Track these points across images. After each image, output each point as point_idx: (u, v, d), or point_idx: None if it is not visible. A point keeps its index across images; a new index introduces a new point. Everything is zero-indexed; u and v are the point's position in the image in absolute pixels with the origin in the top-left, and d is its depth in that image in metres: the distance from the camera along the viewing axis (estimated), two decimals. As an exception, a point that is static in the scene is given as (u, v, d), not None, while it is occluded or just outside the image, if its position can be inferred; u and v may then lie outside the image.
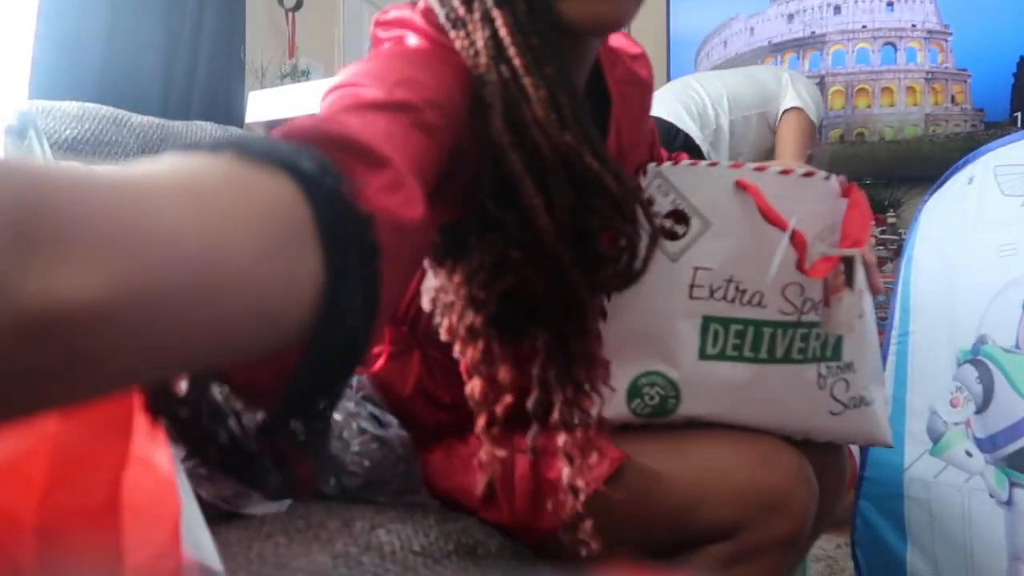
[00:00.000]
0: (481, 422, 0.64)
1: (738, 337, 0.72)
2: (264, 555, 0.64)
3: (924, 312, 1.27)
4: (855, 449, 1.35)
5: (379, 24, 0.62)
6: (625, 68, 0.77)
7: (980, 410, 1.16)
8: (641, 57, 0.80)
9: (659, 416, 0.74)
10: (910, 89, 2.73)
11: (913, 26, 2.73)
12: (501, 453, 0.65)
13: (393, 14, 0.61)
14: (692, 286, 0.72)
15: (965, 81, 2.65)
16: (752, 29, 3.01)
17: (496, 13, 0.55)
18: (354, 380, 0.81)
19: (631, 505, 0.71)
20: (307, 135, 0.37)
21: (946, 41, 2.68)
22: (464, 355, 0.60)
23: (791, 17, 2.93)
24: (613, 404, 0.73)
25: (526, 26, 0.55)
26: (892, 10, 2.77)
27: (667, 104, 1.84)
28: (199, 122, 1.60)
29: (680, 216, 0.72)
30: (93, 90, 1.71)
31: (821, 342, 0.75)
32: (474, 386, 0.63)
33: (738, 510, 0.70)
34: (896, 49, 2.76)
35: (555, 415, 0.63)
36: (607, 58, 0.74)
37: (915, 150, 2.69)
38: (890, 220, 2.59)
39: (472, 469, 0.76)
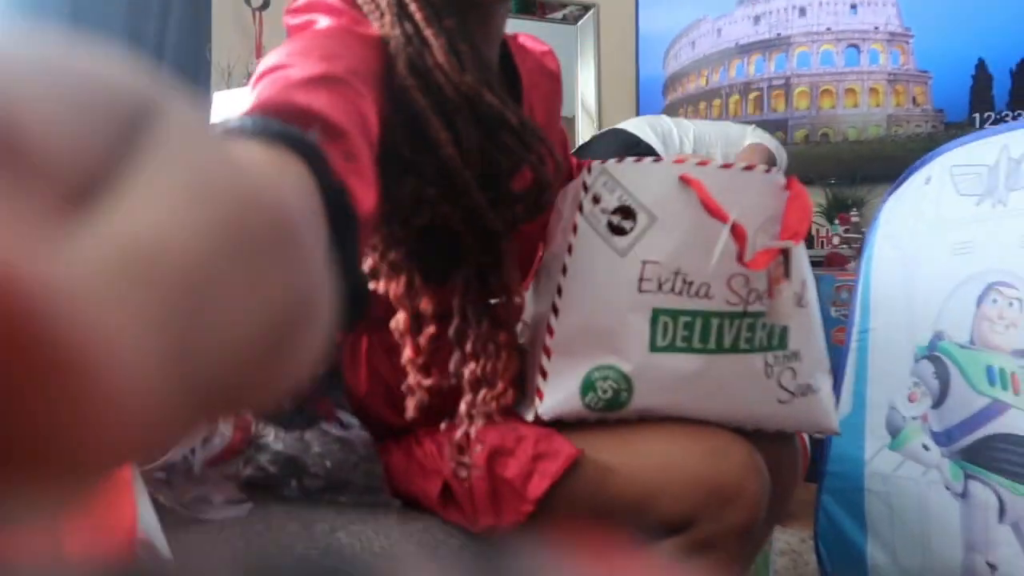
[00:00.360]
0: (408, 353, 0.67)
1: (687, 328, 0.73)
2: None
3: (883, 309, 1.29)
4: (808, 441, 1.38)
5: (289, 12, 0.64)
6: (535, 60, 0.83)
7: (937, 405, 1.18)
8: (549, 54, 0.86)
9: (613, 410, 0.74)
10: (873, 90, 2.77)
11: (876, 28, 2.77)
12: (427, 382, 0.68)
13: (301, 0, 0.64)
14: (641, 279, 0.73)
15: (926, 83, 2.70)
16: (719, 31, 3.04)
17: None
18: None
19: (585, 501, 0.72)
20: (273, 111, 0.38)
21: (908, 43, 2.73)
22: (389, 290, 0.64)
23: (757, 19, 2.96)
24: (567, 399, 0.74)
25: None
26: (856, 13, 2.81)
27: (633, 122, 1.98)
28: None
29: (627, 212, 0.73)
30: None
31: (767, 332, 0.76)
32: (399, 319, 0.66)
33: (691, 502, 0.71)
34: (859, 51, 2.80)
35: (468, 346, 0.68)
36: (517, 51, 0.79)
37: (878, 150, 2.73)
38: (854, 219, 2.63)
39: (430, 472, 0.76)
